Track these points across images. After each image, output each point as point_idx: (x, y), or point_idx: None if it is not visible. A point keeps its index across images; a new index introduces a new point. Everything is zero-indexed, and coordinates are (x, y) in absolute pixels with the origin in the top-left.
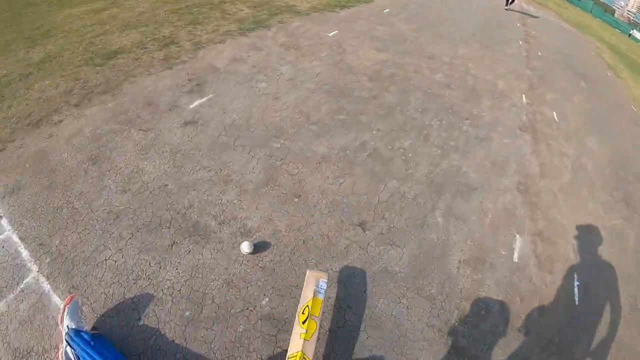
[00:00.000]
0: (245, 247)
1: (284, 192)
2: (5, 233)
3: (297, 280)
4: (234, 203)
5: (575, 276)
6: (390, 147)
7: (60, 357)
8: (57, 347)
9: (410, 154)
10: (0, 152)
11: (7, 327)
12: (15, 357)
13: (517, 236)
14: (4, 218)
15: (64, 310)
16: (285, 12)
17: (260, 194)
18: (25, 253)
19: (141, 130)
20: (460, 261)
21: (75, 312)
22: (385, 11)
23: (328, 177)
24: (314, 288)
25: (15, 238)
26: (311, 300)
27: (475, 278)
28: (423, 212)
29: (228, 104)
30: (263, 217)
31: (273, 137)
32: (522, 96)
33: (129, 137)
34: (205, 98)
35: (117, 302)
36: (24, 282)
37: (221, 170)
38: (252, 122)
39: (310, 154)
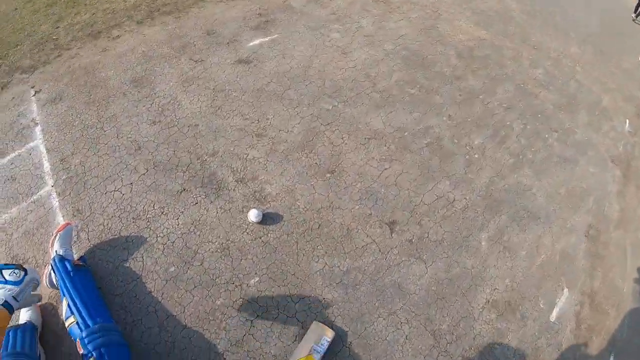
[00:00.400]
0: (253, 215)
1: (318, 162)
2: (36, 141)
3: (295, 269)
4: (259, 161)
5: (612, 358)
6: (456, 141)
7: (44, 278)
8: (45, 266)
9: (476, 155)
10: (55, 59)
11: (12, 233)
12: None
13: (566, 290)
14: (39, 126)
15: (56, 235)
16: None
17: (291, 159)
18: (46, 165)
19: (192, 60)
20: (488, 301)
21: (67, 240)
22: None
23: (373, 158)
24: (312, 345)
25: (42, 148)
26: (304, 359)
27: (498, 327)
28: (468, 229)
29: (290, 49)
30: (285, 186)
31: (327, 96)
32: (625, 121)
33: (177, 65)
34: (269, 37)
35: (112, 237)
36: (38, 193)
37: (258, 121)
38: (310, 73)
39: (363, 126)
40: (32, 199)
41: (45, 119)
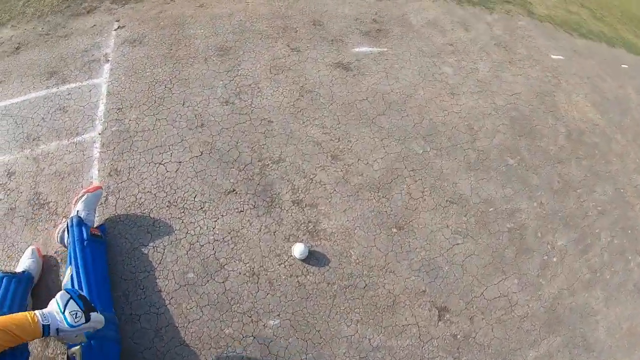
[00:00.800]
0: (298, 250)
1: (388, 212)
2: (100, 79)
3: (322, 325)
4: (325, 188)
5: None
6: (539, 235)
7: (56, 234)
8: (62, 219)
9: (554, 258)
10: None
11: (43, 169)
12: (32, 200)
13: None
14: (109, 64)
15: (84, 195)
16: (517, 6)
17: (360, 197)
18: (102, 109)
19: (288, 46)
20: None
21: (93, 203)
22: (623, 66)
23: (447, 227)
24: None
25: (104, 89)
26: None
27: None
28: (518, 342)
29: (396, 69)
30: (343, 227)
31: (421, 137)
32: None
33: (271, 47)
34: (377, 49)
35: (140, 214)
36: (82, 135)
37: (338, 140)
38: (409, 104)
39: (449, 185)
40: (74, 140)
41: (118, 58)
